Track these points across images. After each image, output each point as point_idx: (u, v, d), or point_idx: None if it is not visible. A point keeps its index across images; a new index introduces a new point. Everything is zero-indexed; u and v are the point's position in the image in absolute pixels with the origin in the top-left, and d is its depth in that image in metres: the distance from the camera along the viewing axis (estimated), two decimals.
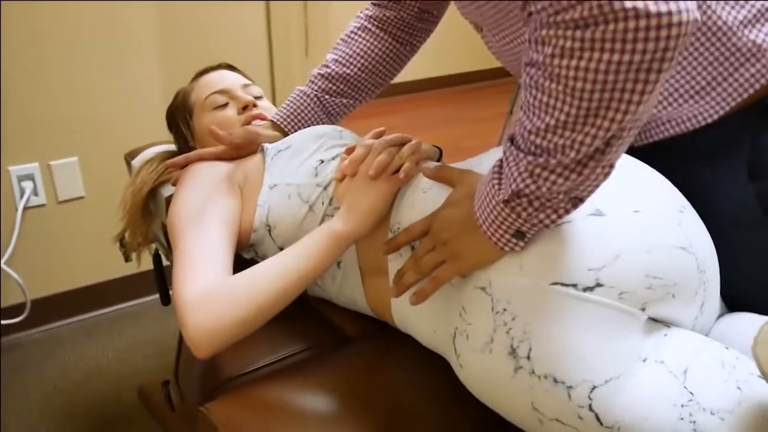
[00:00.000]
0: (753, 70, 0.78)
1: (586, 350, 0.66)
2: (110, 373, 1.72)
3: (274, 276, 0.79)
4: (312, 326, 0.98)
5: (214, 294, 0.78)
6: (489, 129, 3.74)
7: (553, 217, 0.66)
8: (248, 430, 0.77)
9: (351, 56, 1.11)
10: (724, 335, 0.77)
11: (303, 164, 0.95)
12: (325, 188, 0.91)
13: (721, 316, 0.82)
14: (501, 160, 0.68)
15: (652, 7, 0.51)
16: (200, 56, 1.92)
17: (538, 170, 0.62)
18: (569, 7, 0.54)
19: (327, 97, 1.13)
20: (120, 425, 1.55)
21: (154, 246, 1.25)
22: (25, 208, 1.74)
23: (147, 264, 1.29)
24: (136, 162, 1.24)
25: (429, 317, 0.80)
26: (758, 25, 0.78)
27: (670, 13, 0.52)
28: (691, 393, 0.64)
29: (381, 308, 0.89)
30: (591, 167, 0.61)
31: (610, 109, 0.57)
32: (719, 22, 0.77)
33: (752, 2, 0.77)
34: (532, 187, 0.63)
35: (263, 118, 1.11)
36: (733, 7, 0.77)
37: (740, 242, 0.80)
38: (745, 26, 0.78)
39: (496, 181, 0.67)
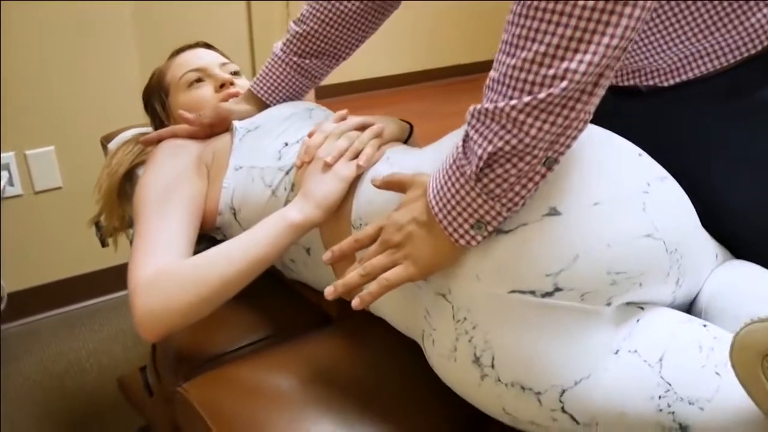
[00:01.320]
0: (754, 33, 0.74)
1: (551, 356, 0.63)
2: (90, 366, 1.69)
3: (224, 261, 0.77)
4: (293, 307, 0.96)
5: (162, 277, 0.76)
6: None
7: (529, 186, 0.61)
8: (226, 409, 0.75)
9: (323, 12, 1.03)
10: (717, 295, 0.74)
11: (269, 146, 0.92)
12: (287, 173, 0.89)
13: (721, 265, 0.79)
14: (462, 139, 0.63)
15: None
16: (178, 40, 1.90)
17: (522, 116, 0.57)
18: None
19: (303, 60, 1.06)
20: (100, 418, 1.52)
21: (131, 231, 1.22)
22: (1, 199, 1.70)
23: (125, 255, 1.26)
24: (112, 145, 1.21)
25: (398, 314, 0.79)
26: None
27: None
28: (668, 383, 0.62)
29: (354, 294, 0.86)
30: (577, 109, 0.57)
31: (599, 32, 0.53)
32: None
33: None
34: (514, 141, 0.58)
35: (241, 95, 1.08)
36: None
37: (753, 181, 0.77)
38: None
39: (462, 159, 0.62)
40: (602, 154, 0.70)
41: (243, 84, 1.11)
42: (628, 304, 0.68)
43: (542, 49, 0.55)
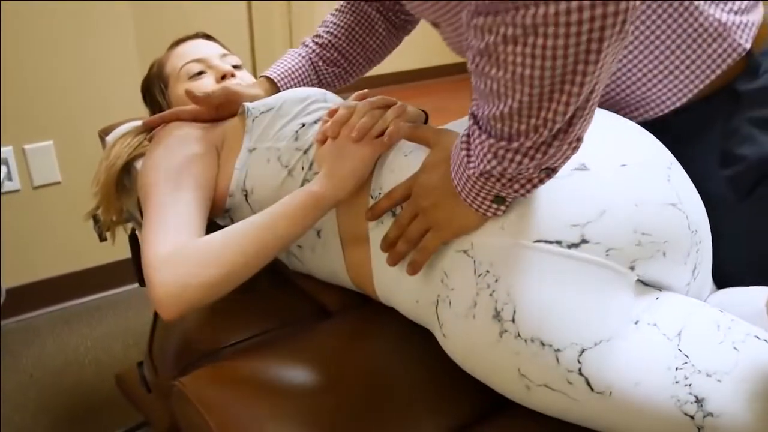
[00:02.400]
0: (720, 50, 0.78)
1: (574, 310, 0.63)
2: (89, 362, 1.67)
3: (248, 237, 0.75)
4: (291, 301, 0.95)
5: (182, 253, 0.74)
6: None
7: (528, 187, 0.63)
8: (223, 403, 0.74)
9: (342, 28, 1.09)
10: (720, 306, 0.74)
11: (284, 127, 0.91)
12: (305, 152, 0.87)
13: (711, 293, 0.79)
14: (468, 129, 0.65)
15: None
16: (177, 33, 1.89)
17: (501, 152, 0.59)
18: None
19: (320, 63, 1.10)
20: (99, 415, 1.51)
21: (130, 226, 1.21)
22: None
23: (125, 251, 1.25)
24: (110, 137, 1.20)
25: (411, 287, 0.77)
26: (721, 4, 0.77)
27: None
28: (686, 356, 0.62)
29: (362, 279, 0.85)
30: (556, 146, 0.58)
31: (563, 91, 0.54)
32: (686, 3, 0.76)
33: None
34: (498, 168, 0.60)
35: None
36: None
37: (717, 225, 0.77)
38: (710, 6, 0.77)
39: (464, 154, 0.64)
40: (629, 130, 0.73)
41: (244, 76, 1.10)
42: (647, 285, 0.68)
43: (506, 109, 0.56)
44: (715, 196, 0.78)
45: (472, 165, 0.63)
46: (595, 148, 0.67)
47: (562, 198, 0.64)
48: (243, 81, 1.08)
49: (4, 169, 1.68)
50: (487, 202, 0.65)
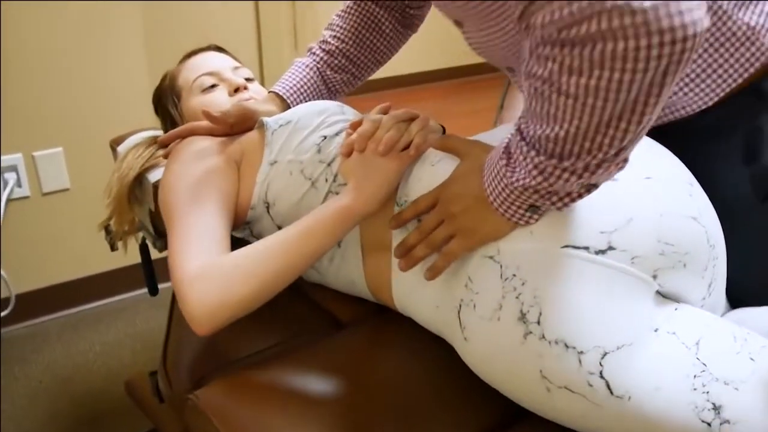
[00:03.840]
0: (748, 54, 0.78)
1: (598, 314, 0.64)
2: (97, 368, 1.68)
3: (279, 251, 0.76)
4: (304, 312, 0.95)
5: (215, 269, 0.75)
6: (481, 122, 3.73)
7: (567, 200, 0.65)
8: (238, 416, 0.75)
9: (349, 31, 1.08)
10: (741, 321, 0.76)
11: (305, 140, 0.91)
12: (329, 165, 0.88)
13: (723, 314, 0.80)
14: (509, 142, 0.66)
15: (664, 23, 0.49)
16: (187, 41, 1.90)
17: (549, 168, 0.61)
18: (573, 23, 0.52)
19: (328, 72, 1.10)
20: (107, 421, 1.52)
21: (141, 235, 1.22)
22: (9, 201, 1.70)
23: (134, 256, 1.26)
24: (122, 148, 1.21)
25: (432, 292, 0.78)
26: (751, 7, 0.77)
27: (683, 27, 0.50)
28: (704, 364, 0.64)
29: (380, 288, 0.86)
30: (605, 167, 0.60)
31: (622, 119, 0.56)
32: (715, 6, 0.76)
33: None
34: (544, 184, 0.62)
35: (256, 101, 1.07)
36: None
37: (736, 226, 0.78)
38: (739, 9, 0.76)
39: (505, 164, 0.65)
40: (651, 149, 0.75)
41: (256, 89, 1.11)
42: (665, 297, 0.70)
43: (562, 133, 0.58)
44: (737, 195, 0.80)
45: (514, 178, 0.64)
46: None
47: (591, 205, 0.66)
48: (256, 94, 1.08)
49: (14, 175, 1.69)
50: (521, 212, 0.67)
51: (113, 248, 1.20)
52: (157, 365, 1.04)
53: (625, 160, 0.62)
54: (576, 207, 0.66)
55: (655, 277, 0.67)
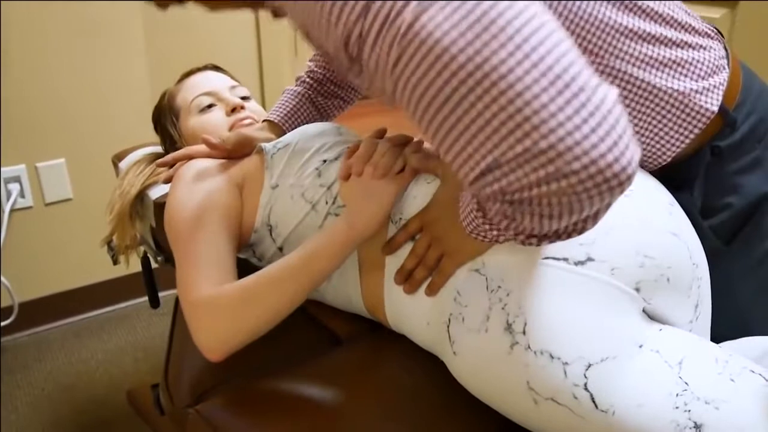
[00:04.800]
0: (687, 117, 0.78)
1: (581, 324, 0.66)
2: (99, 377, 1.70)
3: (285, 278, 0.79)
4: (303, 328, 0.97)
5: (225, 298, 0.77)
6: None
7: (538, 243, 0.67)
8: (238, 431, 0.77)
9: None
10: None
11: (305, 164, 0.93)
12: (329, 188, 0.90)
13: None
14: (475, 209, 0.68)
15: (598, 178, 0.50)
16: (188, 54, 1.92)
17: (521, 237, 0.63)
18: (522, 188, 0.53)
19: (319, 99, 1.13)
20: (109, 429, 1.54)
21: (142, 249, 1.24)
22: (12, 211, 1.72)
23: (135, 266, 1.28)
24: (124, 164, 1.23)
25: (423, 309, 0.80)
26: (678, 74, 0.76)
27: (615, 176, 0.51)
28: (686, 383, 0.65)
29: (376, 306, 0.89)
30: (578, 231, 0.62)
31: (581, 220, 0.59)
32: (643, 83, 0.76)
33: (658, 50, 0.75)
34: (521, 237, 0.64)
35: (252, 120, 1.10)
36: (646, 63, 0.75)
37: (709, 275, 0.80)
38: (668, 76, 0.76)
39: (479, 217, 0.67)
40: None
41: (253, 108, 1.13)
42: (651, 318, 0.71)
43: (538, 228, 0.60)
44: (703, 245, 0.80)
45: (492, 232, 0.66)
46: None
47: None
48: (252, 113, 1.11)
49: (17, 186, 1.71)
50: (501, 238, 0.68)
51: (115, 263, 1.22)
52: (158, 373, 1.06)
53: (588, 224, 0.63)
54: None
55: (638, 290, 0.68)
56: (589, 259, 0.67)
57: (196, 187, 0.93)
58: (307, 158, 0.94)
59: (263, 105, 2.09)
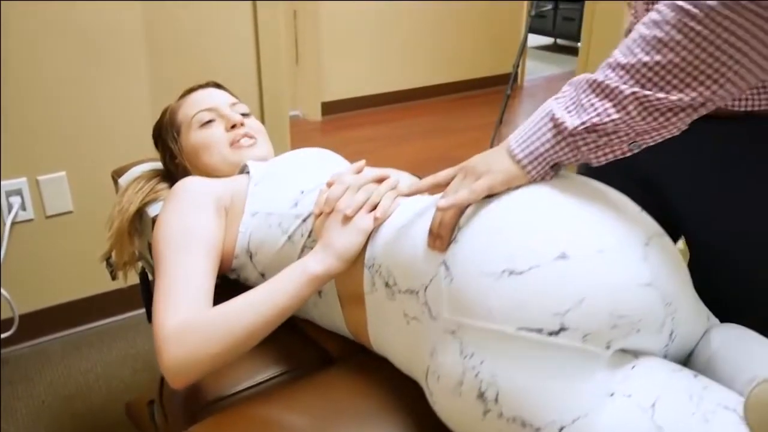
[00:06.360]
0: None
1: (551, 393, 0.66)
2: (99, 388, 1.72)
3: (250, 312, 0.80)
4: (296, 347, 0.98)
5: (190, 327, 0.79)
6: (478, 138, 3.76)
7: (609, 156, 0.71)
8: None
9: None
10: (715, 357, 0.76)
11: (285, 193, 0.95)
12: (304, 220, 0.91)
13: (713, 328, 0.81)
14: (563, 99, 0.72)
15: None
16: (188, 68, 1.94)
17: (633, 106, 0.66)
18: None
19: None
20: None
21: (140, 264, 1.25)
22: (13, 223, 1.74)
23: (133, 280, 1.30)
24: (123, 181, 1.24)
25: (403, 352, 0.82)
26: None
27: None
28: (660, 427, 0.64)
29: (359, 333, 0.90)
30: (680, 117, 0.66)
31: (723, 78, 0.62)
32: None
33: None
34: (618, 121, 0.67)
35: (250, 137, 1.11)
36: None
37: None
38: None
39: (562, 115, 0.70)
40: (608, 204, 0.76)
41: (252, 124, 1.14)
42: (624, 351, 0.71)
43: (677, 60, 0.64)
44: None
45: (577, 118, 0.69)
46: (575, 233, 0.70)
47: (545, 287, 0.68)
48: (251, 129, 1.12)
49: (18, 199, 1.73)
50: (547, 168, 0.73)
51: (114, 278, 1.23)
52: (156, 386, 1.07)
53: (683, 125, 0.67)
54: (532, 287, 0.68)
55: (608, 347, 0.68)
56: (562, 329, 0.66)
57: (186, 209, 0.95)
58: (287, 187, 0.95)
59: (262, 120, 2.11)
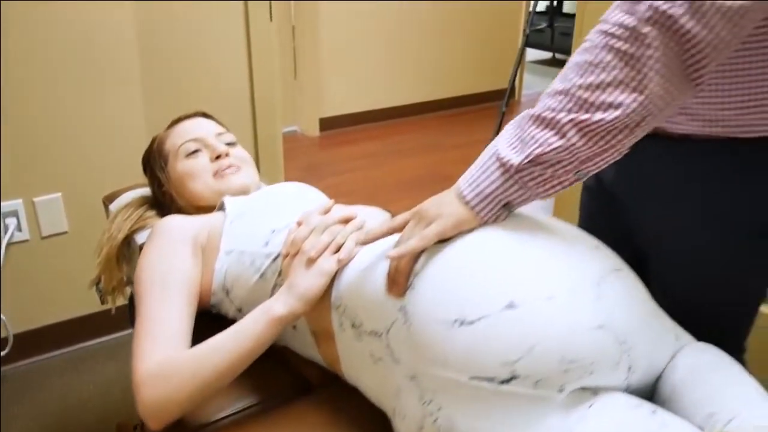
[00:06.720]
0: None
1: None
2: (92, 407, 1.73)
3: (216, 356, 0.83)
4: (276, 374, 1.00)
5: (162, 371, 0.83)
6: (470, 155, 3.76)
7: (558, 188, 0.73)
8: None
9: None
10: (680, 386, 0.77)
11: (257, 232, 0.98)
12: (275, 259, 0.94)
13: (683, 348, 0.81)
14: (504, 138, 0.74)
15: None
16: (183, 91, 1.97)
17: (573, 132, 0.69)
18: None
19: None
20: None
21: (129, 290, 1.28)
22: (9, 244, 1.76)
23: (122, 301, 1.31)
24: (114, 206, 1.27)
25: (373, 388, 0.84)
26: None
27: None
28: None
29: (335, 367, 0.93)
30: (618, 138, 0.68)
31: (652, 81, 0.65)
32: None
33: None
34: (560, 149, 0.69)
35: (234, 167, 1.14)
36: None
37: None
38: None
39: (510, 149, 0.72)
40: (560, 245, 0.76)
41: (238, 154, 1.17)
42: (582, 389, 0.72)
43: (609, 79, 0.68)
44: None
45: (524, 153, 0.71)
46: (523, 280, 0.71)
47: (495, 337, 0.69)
48: (236, 159, 1.15)
49: (14, 221, 1.75)
50: (497, 208, 0.74)
51: (103, 302, 1.26)
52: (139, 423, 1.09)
53: (625, 147, 0.70)
54: (484, 337, 0.69)
55: (561, 390, 0.69)
56: (514, 377, 0.68)
57: (165, 250, 0.98)
58: (260, 225, 0.98)
59: (254, 137, 2.14)
